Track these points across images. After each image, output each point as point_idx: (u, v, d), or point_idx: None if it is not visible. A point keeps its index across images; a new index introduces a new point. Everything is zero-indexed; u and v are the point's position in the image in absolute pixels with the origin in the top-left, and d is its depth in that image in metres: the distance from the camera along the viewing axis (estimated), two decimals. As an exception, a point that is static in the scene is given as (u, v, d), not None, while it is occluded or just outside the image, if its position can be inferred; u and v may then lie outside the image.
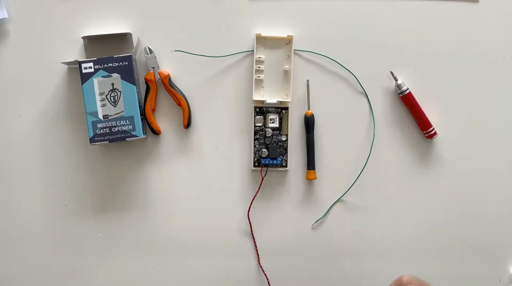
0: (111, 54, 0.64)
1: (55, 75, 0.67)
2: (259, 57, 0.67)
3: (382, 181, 0.69)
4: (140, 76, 0.67)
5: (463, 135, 0.69)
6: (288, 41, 0.67)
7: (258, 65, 0.67)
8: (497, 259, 0.69)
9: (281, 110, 0.67)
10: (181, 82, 0.67)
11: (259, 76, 0.67)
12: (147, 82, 0.66)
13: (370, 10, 0.68)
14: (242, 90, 0.68)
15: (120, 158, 0.68)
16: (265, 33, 0.66)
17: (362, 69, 0.68)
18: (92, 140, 0.63)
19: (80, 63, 0.63)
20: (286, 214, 0.69)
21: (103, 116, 0.63)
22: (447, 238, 0.69)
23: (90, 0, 0.67)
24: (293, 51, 0.66)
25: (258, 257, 0.68)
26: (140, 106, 0.65)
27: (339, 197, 0.68)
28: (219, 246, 0.68)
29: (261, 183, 0.67)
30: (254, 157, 0.67)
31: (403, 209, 0.69)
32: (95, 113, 0.63)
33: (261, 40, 0.67)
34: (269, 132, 0.67)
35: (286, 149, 0.67)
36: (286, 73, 0.67)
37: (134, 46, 0.65)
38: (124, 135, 0.64)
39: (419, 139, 0.69)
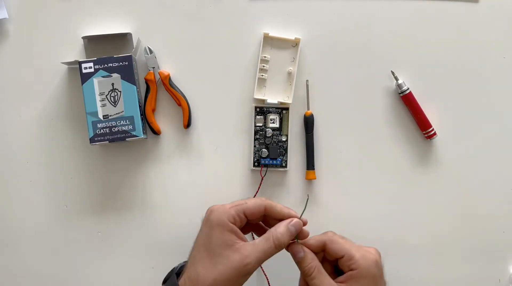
0: (111, 54, 0.64)
1: (55, 75, 0.67)
2: (265, 57, 0.67)
3: (382, 181, 0.69)
4: (140, 76, 0.67)
5: (463, 135, 0.69)
6: (295, 43, 0.66)
7: (262, 64, 0.67)
8: (497, 259, 0.69)
9: (282, 110, 0.67)
10: (181, 82, 0.67)
11: (262, 75, 0.67)
12: (147, 82, 0.66)
13: (370, 10, 0.68)
14: (242, 90, 0.68)
15: (120, 158, 0.68)
16: (268, 33, 0.66)
17: (362, 69, 0.68)
18: (92, 140, 0.63)
19: (80, 63, 0.63)
20: (286, 214, 0.68)
21: (103, 116, 0.63)
22: (447, 238, 0.69)
23: (90, 0, 0.67)
24: (299, 54, 0.66)
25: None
26: (140, 106, 0.65)
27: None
28: (219, 246, 0.68)
29: (260, 183, 0.67)
30: (254, 157, 0.67)
31: (402, 209, 0.69)
32: (95, 113, 0.63)
33: (268, 40, 0.67)
34: (269, 132, 0.67)
35: (286, 149, 0.67)
36: (290, 75, 0.67)
37: (134, 46, 0.65)
38: (124, 135, 0.64)
39: (418, 139, 0.69)
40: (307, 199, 0.58)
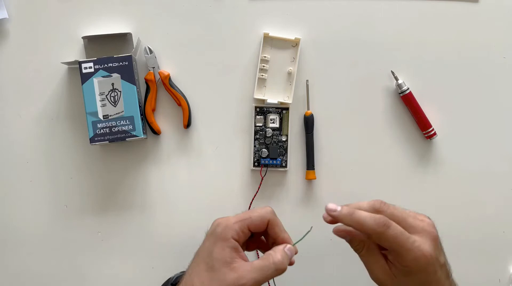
0: (111, 54, 0.64)
1: (55, 75, 0.67)
2: (265, 57, 0.67)
3: (382, 181, 0.69)
4: (140, 76, 0.67)
5: (463, 135, 0.69)
6: (295, 43, 0.66)
7: (262, 64, 0.67)
8: (497, 259, 0.69)
9: (282, 110, 0.67)
10: (181, 82, 0.67)
11: (262, 75, 0.67)
12: (147, 82, 0.66)
13: (370, 10, 0.68)
14: (242, 90, 0.68)
15: (120, 158, 0.68)
16: (268, 33, 0.66)
17: (362, 69, 0.68)
18: (92, 140, 0.63)
19: (80, 63, 0.63)
20: (285, 214, 0.68)
21: (103, 116, 0.63)
22: (447, 238, 0.69)
23: (90, 0, 0.67)
24: (299, 54, 0.66)
25: (258, 257, 0.68)
26: (140, 106, 0.65)
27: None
28: (219, 246, 0.68)
29: (260, 183, 0.67)
30: (254, 157, 0.67)
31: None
32: (95, 113, 0.63)
33: (268, 39, 0.67)
34: (269, 132, 0.67)
35: (286, 149, 0.67)
36: (290, 75, 0.67)
37: (134, 46, 0.65)
38: (124, 135, 0.64)
39: (418, 139, 0.69)
40: (308, 231, 0.56)
